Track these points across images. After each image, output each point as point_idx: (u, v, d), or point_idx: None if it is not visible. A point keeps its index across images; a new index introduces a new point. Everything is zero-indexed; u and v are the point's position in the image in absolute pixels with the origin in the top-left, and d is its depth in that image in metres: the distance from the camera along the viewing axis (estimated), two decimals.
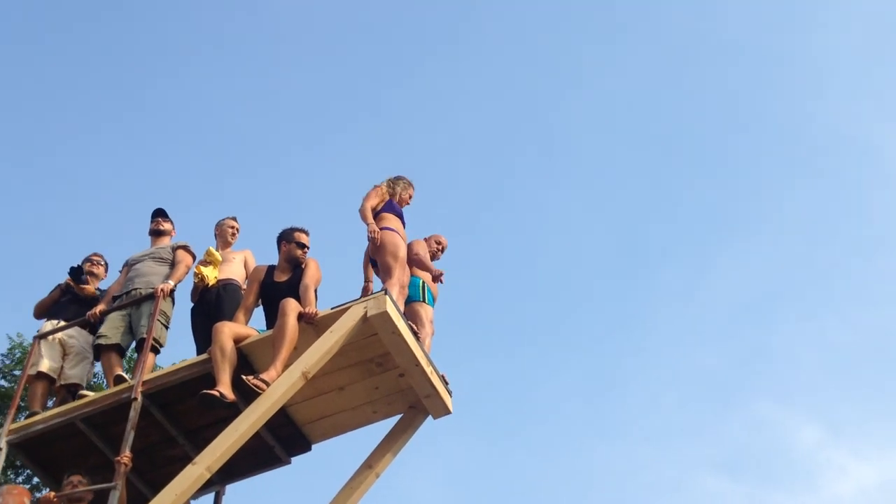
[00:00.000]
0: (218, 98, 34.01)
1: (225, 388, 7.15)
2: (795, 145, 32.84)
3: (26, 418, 8.12)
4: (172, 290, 8.48)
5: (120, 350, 8.33)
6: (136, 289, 8.55)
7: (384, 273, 8.00)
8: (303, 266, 8.06)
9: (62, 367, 8.58)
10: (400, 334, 7.44)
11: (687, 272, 33.66)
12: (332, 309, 7.55)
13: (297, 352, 7.33)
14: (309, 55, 33.88)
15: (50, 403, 8.64)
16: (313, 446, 8.24)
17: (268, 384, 7.11)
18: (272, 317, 7.73)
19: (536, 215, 33.14)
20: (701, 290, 33.08)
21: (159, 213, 9.26)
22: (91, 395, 8.07)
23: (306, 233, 8.28)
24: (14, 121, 30.77)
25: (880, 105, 33.13)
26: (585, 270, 33.31)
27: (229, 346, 7.40)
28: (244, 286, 8.53)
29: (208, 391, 7.12)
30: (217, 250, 8.84)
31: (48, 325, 8.84)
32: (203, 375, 7.48)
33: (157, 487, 7.38)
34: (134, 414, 7.43)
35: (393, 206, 8.55)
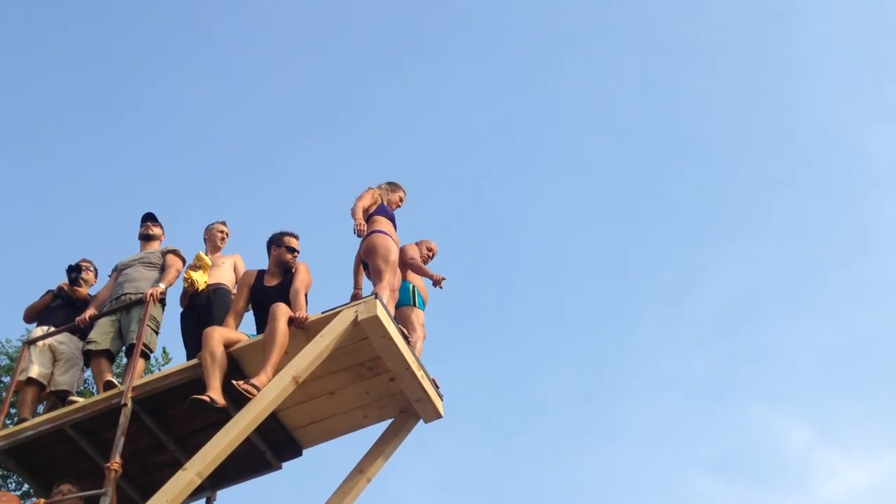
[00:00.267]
0: (206, 104, 33.99)
1: (215, 393, 7.13)
2: (785, 147, 32.94)
3: (16, 424, 8.08)
4: (162, 295, 8.46)
5: (109, 356, 8.31)
6: (125, 294, 8.53)
7: (375, 276, 7.99)
8: (293, 270, 8.05)
9: (52, 373, 8.56)
10: (390, 338, 7.43)
11: (678, 273, 33.74)
12: (322, 313, 7.54)
13: (287, 356, 7.32)
14: (296, 59, 33.87)
15: (40, 409, 8.62)
16: (304, 451, 8.23)
17: (258, 389, 7.09)
18: (262, 321, 7.72)
19: (528, 216, 33.19)
20: (692, 292, 33.16)
21: (149, 218, 9.24)
22: (81, 400, 8.04)
23: (296, 237, 8.27)
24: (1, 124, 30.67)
25: (869, 106, 33.25)
26: (576, 272, 33.35)
27: (219, 350, 7.38)
28: (234, 291, 8.52)
29: (198, 396, 7.10)
30: (207, 255, 8.83)
31: (38, 330, 8.82)
32: (193, 380, 7.46)
33: (147, 493, 7.35)
34: (124, 419, 7.41)
35: (385, 209, 8.55)
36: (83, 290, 9.10)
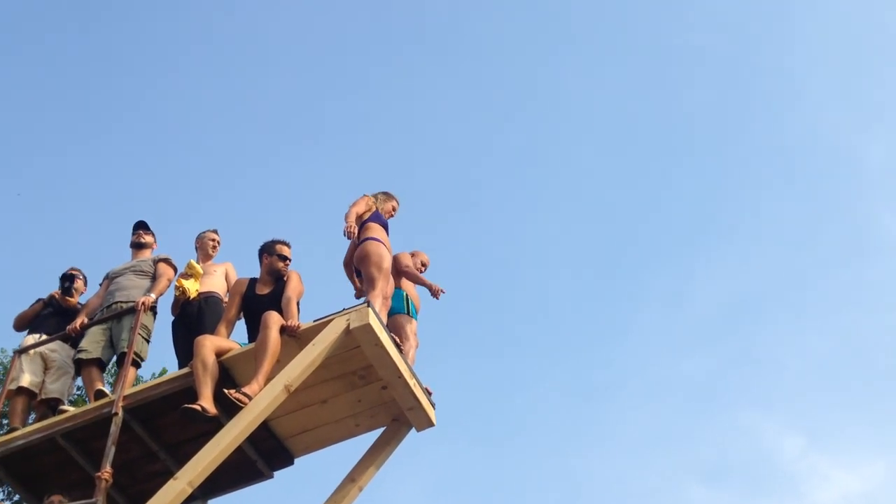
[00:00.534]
0: (197, 111, 33.96)
1: (207, 402, 7.11)
2: (776, 151, 32.96)
3: (6, 433, 8.05)
4: (154, 304, 8.44)
5: (101, 364, 8.28)
6: (116, 302, 8.50)
7: (367, 284, 7.98)
8: (285, 279, 8.03)
9: (43, 381, 8.53)
10: (383, 346, 7.42)
11: (670, 279, 33.71)
12: (314, 321, 7.52)
13: (279, 365, 7.31)
14: (285, 66, 33.83)
15: (31, 418, 8.59)
16: (296, 460, 8.20)
17: (250, 398, 7.08)
18: (254, 330, 7.70)
19: (521, 220, 33.16)
20: (684, 298, 33.15)
21: (141, 226, 9.22)
22: (72, 409, 8.02)
23: (288, 245, 8.26)
24: None
25: (860, 112, 33.33)
26: (569, 276, 33.34)
27: (211, 359, 7.36)
28: (226, 299, 8.50)
29: (190, 405, 7.08)
30: (198, 263, 8.81)
31: (30, 338, 8.79)
32: (185, 389, 7.44)
33: (138, 503, 7.33)
34: (115, 429, 7.39)
35: (379, 216, 8.55)
36: (74, 300, 9.08)
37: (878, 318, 31.79)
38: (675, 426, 30.57)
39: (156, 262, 8.84)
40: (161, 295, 8.54)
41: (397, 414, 7.90)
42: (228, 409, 7.12)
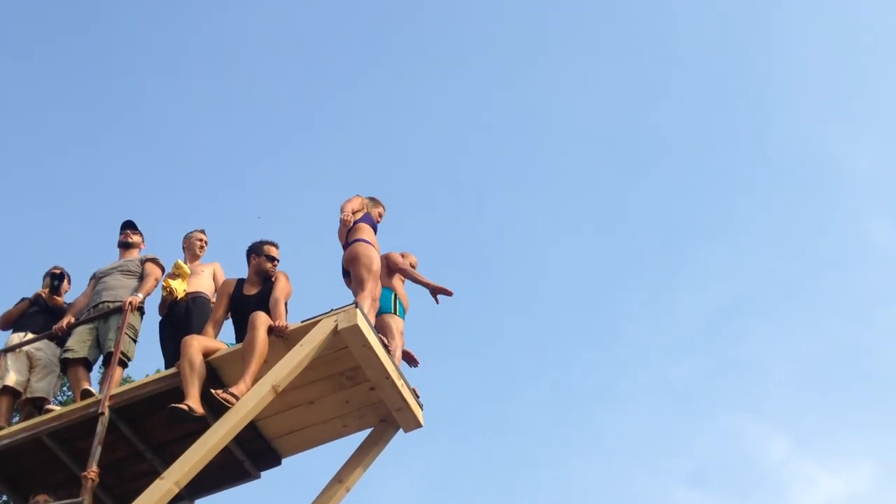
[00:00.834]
0: (185, 112, 33.90)
1: (194, 402, 7.10)
2: (764, 158, 33.11)
3: None
4: (141, 304, 8.41)
5: (87, 364, 8.25)
6: (103, 302, 8.48)
7: (356, 285, 7.97)
8: (273, 279, 8.02)
9: (28, 380, 8.50)
10: (370, 347, 7.41)
11: (657, 284, 33.82)
12: (302, 322, 7.52)
13: (266, 365, 7.29)
14: (274, 67, 33.81)
15: (15, 418, 8.55)
16: (283, 460, 8.19)
17: (237, 398, 7.07)
18: (242, 330, 7.69)
19: (508, 224, 33.23)
20: (671, 302, 33.25)
21: (128, 226, 9.19)
22: (57, 409, 7.99)
23: (276, 246, 8.25)
24: None
25: (848, 118, 33.49)
26: (556, 281, 33.38)
27: (198, 359, 7.35)
28: (213, 299, 8.48)
29: (177, 405, 7.06)
30: (185, 263, 8.79)
31: (15, 337, 8.75)
32: (171, 389, 7.42)
33: (124, 503, 7.31)
34: (101, 428, 7.36)
35: (370, 218, 8.56)
36: (61, 299, 9.05)
37: (863, 323, 31.96)
38: (661, 429, 30.66)
39: (143, 261, 8.81)
40: (148, 295, 8.51)
41: (385, 415, 7.90)
42: (215, 409, 7.11)
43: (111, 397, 7.54)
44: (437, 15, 33.87)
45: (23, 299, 9.10)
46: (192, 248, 9.08)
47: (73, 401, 8.03)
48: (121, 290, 8.53)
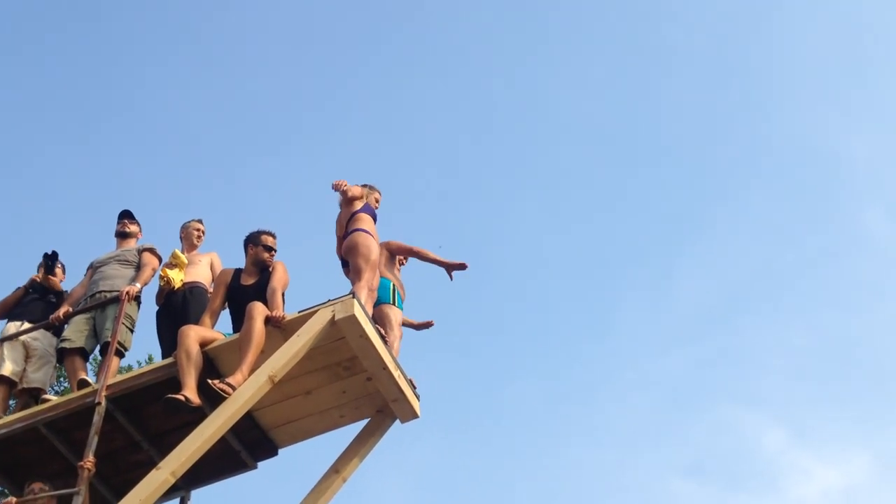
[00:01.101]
0: (182, 102, 33.84)
1: (190, 392, 7.09)
2: (760, 150, 33.11)
3: None
4: (138, 294, 8.40)
5: (84, 354, 8.24)
6: (100, 291, 8.46)
7: (354, 275, 7.96)
8: (270, 269, 8.01)
9: (24, 369, 8.49)
10: (367, 338, 7.41)
11: (652, 276, 33.86)
12: (299, 312, 7.51)
13: (263, 355, 7.29)
14: (270, 58, 33.76)
15: (11, 406, 8.54)
16: (280, 451, 8.20)
17: (234, 388, 7.06)
18: (239, 320, 7.68)
19: (503, 218, 33.22)
20: (666, 294, 33.28)
21: (126, 215, 9.17)
22: (54, 399, 7.98)
23: (273, 236, 8.23)
24: None
25: (845, 112, 33.49)
26: (551, 274, 33.40)
27: (195, 349, 7.34)
28: (210, 289, 8.47)
29: (173, 395, 7.06)
30: (183, 253, 8.77)
31: (11, 326, 8.74)
32: (168, 379, 7.42)
33: (121, 493, 7.30)
34: (98, 418, 7.36)
35: (370, 207, 8.55)
36: (58, 280, 8.99)
37: (858, 315, 32.01)
38: (657, 421, 30.71)
39: (140, 251, 8.79)
40: (145, 284, 8.50)
41: (382, 405, 7.90)
42: (212, 399, 7.10)
43: (108, 387, 7.52)
44: (433, 12, 33.84)
45: (17, 288, 9.08)
46: (189, 238, 9.06)
47: (70, 391, 8.02)
48: (118, 279, 8.51)
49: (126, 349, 8.26)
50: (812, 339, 32.87)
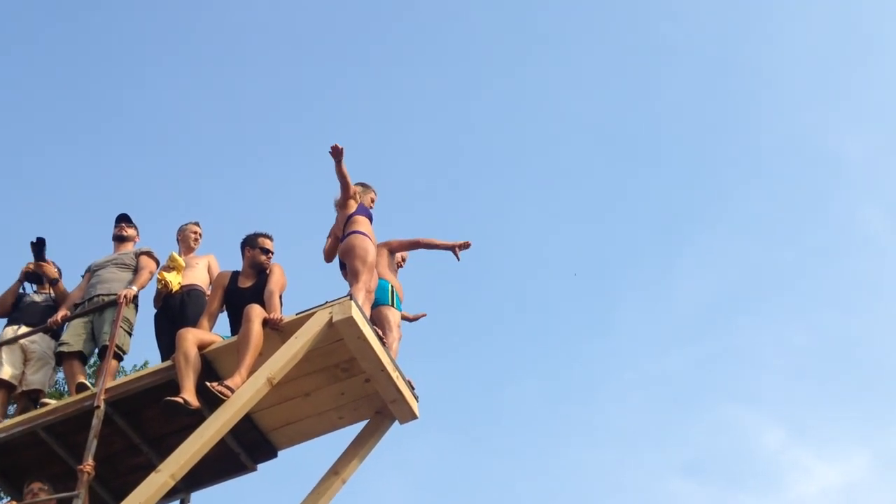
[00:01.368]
0: (179, 105, 33.84)
1: (189, 395, 7.10)
2: (758, 150, 33.13)
3: None
4: (135, 297, 8.41)
5: (82, 357, 8.25)
6: (98, 295, 8.47)
7: (352, 277, 7.97)
8: (267, 272, 8.02)
9: (23, 373, 8.49)
10: (365, 339, 7.41)
11: (651, 275, 33.87)
12: (297, 314, 7.51)
13: (262, 358, 7.29)
14: (267, 58, 33.76)
15: (10, 411, 8.55)
16: (279, 453, 8.20)
17: (232, 391, 7.06)
18: (237, 323, 7.69)
19: (502, 216, 33.22)
20: (665, 293, 33.30)
21: (123, 219, 9.18)
22: (53, 403, 7.98)
23: (270, 238, 8.24)
24: None
25: (839, 110, 33.53)
26: (550, 272, 33.40)
27: (193, 352, 7.34)
28: (208, 292, 8.48)
29: (172, 398, 7.06)
30: (180, 255, 8.78)
31: (8, 330, 8.74)
32: (167, 382, 7.42)
33: (121, 497, 7.30)
34: (97, 422, 7.36)
35: (365, 208, 8.55)
36: (51, 267, 8.95)
37: (857, 314, 32.04)
38: (656, 421, 30.72)
39: (138, 254, 8.80)
40: (143, 288, 8.51)
41: (380, 407, 7.90)
42: (211, 401, 7.10)
43: (107, 391, 7.53)
44: (430, 9, 33.84)
45: (13, 284, 9.05)
46: (186, 241, 9.07)
47: (69, 395, 8.02)
48: (115, 283, 8.52)
49: (124, 352, 8.27)
50: (811, 339, 32.92)
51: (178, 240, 9.11)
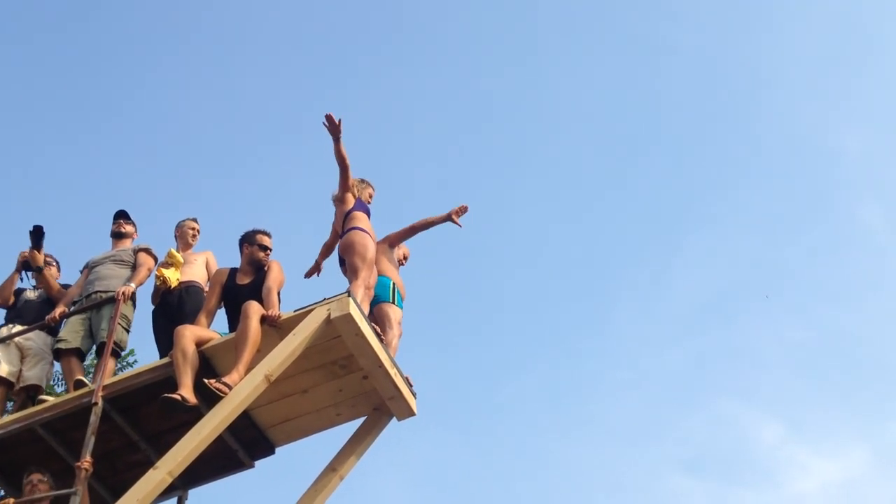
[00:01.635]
0: (177, 101, 33.82)
1: (187, 392, 7.10)
2: (756, 146, 33.12)
3: None
4: (134, 293, 8.40)
5: (80, 354, 8.25)
6: (96, 292, 8.47)
7: (351, 273, 7.97)
8: (265, 268, 8.02)
9: (20, 369, 8.49)
10: (363, 336, 7.41)
11: (649, 271, 33.87)
12: (294, 311, 7.51)
13: (259, 354, 7.29)
14: (265, 55, 33.74)
15: (9, 407, 8.55)
16: (277, 449, 8.20)
17: (230, 387, 7.06)
18: (235, 320, 7.69)
19: (500, 213, 33.20)
20: (663, 289, 33.28)
21: (121, 216, 9.18)
22: (51, 399, 7.99)
23: (269, 235, 8.25)
24: None
25: (839, 107, 33.52)
26: (548, 269, 33.41)
27: (191, 349, 7.34)
28: (206, 288, 8.48)
29: (170, 395, 7.06)
30: (178, 252, 8.78)
31: (4, 329, 8.74)
32: (165, 379, 7.42)
33: (118, 493, 7.31)
34: (94, 419, 7.36)
35: (363, 204, 8.54)
36: (39, 255, 8.90)
37: (855, 310, 32.05)
38: (655, 417, 30.73)
39: (136, 251, 8.80)
40: (141, 284, 8.50)
41: (378, 403, 7.91)
42: (209, 398, 7.10)
43: (104, 387, 7.53)
44: (430, 9, 33.83)
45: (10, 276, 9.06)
46: (184, 237, 9.07)
47: (66, 391, 8.02)
48: (113, 279, 8.52)
49: (122, 349, 8.27)
50: (810, 334, 32.92)
51: (175, 236, 9.10)
